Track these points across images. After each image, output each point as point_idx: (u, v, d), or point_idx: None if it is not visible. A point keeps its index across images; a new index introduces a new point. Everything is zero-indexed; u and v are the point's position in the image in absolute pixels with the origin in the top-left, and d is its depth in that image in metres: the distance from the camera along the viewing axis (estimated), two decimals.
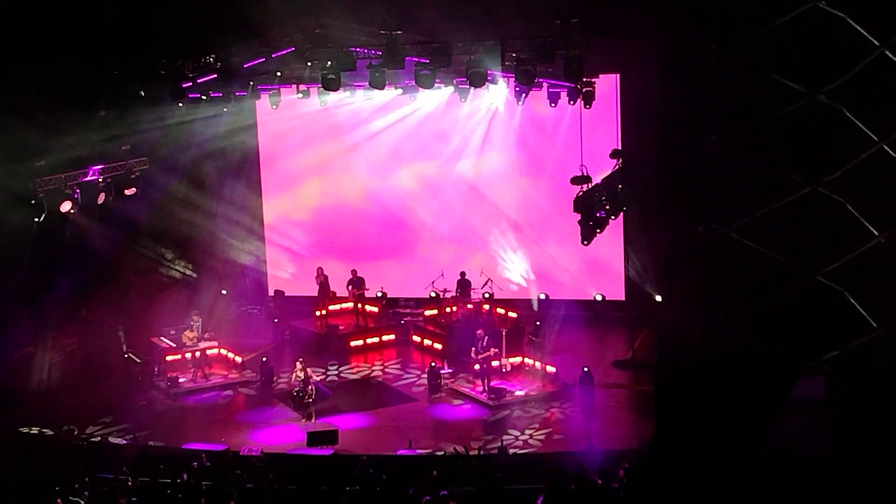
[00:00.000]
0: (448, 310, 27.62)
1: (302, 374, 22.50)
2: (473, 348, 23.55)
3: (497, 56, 21.72)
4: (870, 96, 13.39)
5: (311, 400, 22.31)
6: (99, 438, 21.63)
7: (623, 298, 28.21)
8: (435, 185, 29.68)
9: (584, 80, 23.14)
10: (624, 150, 24.38)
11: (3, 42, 20.90)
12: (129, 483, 17.89)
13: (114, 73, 22.78)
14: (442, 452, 19.71)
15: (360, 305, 28.39)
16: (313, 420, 22.19)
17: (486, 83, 22.95)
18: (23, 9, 21.73)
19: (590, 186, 21.74)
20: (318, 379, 23.51)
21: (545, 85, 24.69)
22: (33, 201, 22.61)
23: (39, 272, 24.30)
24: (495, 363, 23.65)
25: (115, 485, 17.69)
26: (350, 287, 28.29)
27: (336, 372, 25.86)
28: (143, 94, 22.73)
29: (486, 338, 23.56)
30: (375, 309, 28.64)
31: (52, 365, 24.93)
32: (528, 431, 21.56)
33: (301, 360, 23.02)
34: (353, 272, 28.36)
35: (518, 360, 24.49)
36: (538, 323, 26.09)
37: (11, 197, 22.41)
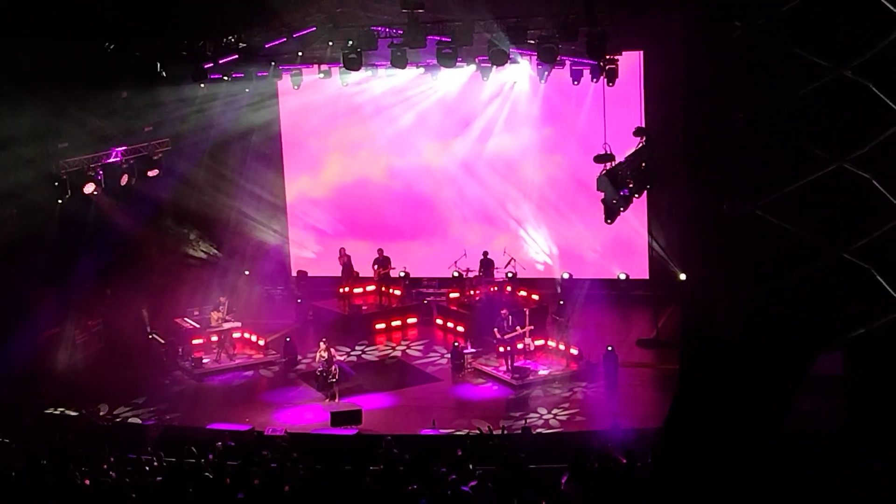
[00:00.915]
0: (471, 290, 27.58)
1: (325, 354, 22.54)
2: (496, 328, 23.50)
3: (519, 34, 21.58)
4: None
5: (334, 380, 22.37)
6: (123, 419, 21.72)
7: (647, 277, 28.10)
8: (457, 165, 29.60)
9: (607, 57, 22.98)
10: (647, 128, 24.21)
11: (26, 24, 20.91)
12: (155, 463, 17.98)
13: (136, 54, 22.77)
14: (466, 432, 19.70)
15: (383, 286, 28.37)
16: (337, 400, 22.24)
17: (509, 61, 22.82)
18: None
19: (613, 164, 21.62)
20: (342, 359, 23.53)
21: (568, 62, 24.55)
22: (57, 183, 22.69)
23: (63, 254, 24.41)
24: (526, 341, 23.57)
25: (141, 465, 17.78)
26: (376, 266, 28.28)
27: (359, 352, 25.87)
28: (164, 74, 22.68)
29: (511, 317, 23.51)
30: (399, 291, 28.61)
31: (77, 346, 25.05)
32: (552, 411, 21.53)
33: (325, 339, 23.06)
34: (380, 251, 28.36)
35: (542, 339, 24.42)
36: (562, 302, 26.02)
37: (35, 179, 22.50)
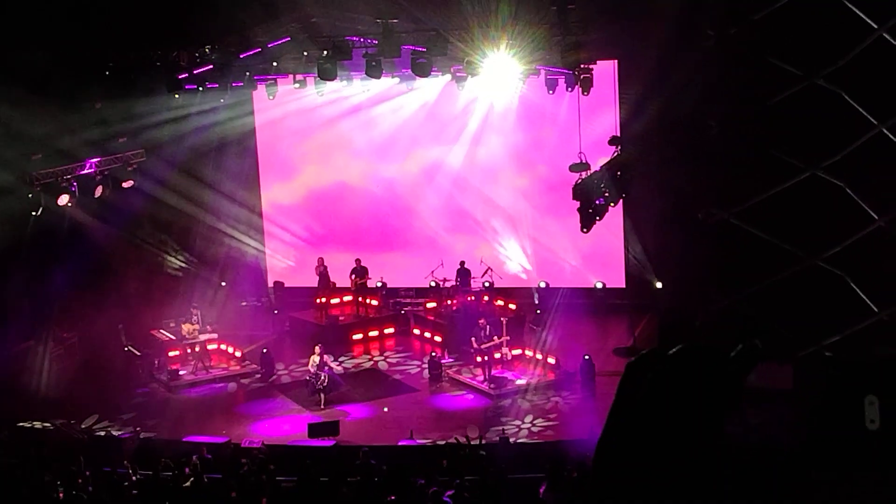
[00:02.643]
0: (448, 300, 27.57)
1: (318, 360, 22.54)
2: (474, 337, 23.49)
3: (493, 43, 21.64)
4: (868, 79, 13.33)
5: (322, 387, 22.37)
6: (102, 433, 21.58)
7: (623, 285, 28.14)
8: (433, 174, 29.60)
9: (582, 66, 23.05)
10: (622, 137, 24.31)
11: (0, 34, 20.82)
12: (132, 476, 17.88)
13: (109, 64, 22.67)
14: (444, 442, 19.68)
15: (360, 296, 28.32)
16: (322, 406, 22.23)
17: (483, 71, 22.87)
18: (17, 0, 21.67)
19: (589, 173, 21.67)
20: (335, 367, 23.46)
21: (543, 72, 24.62)
22: (30, 195, 22.56)
23: (37, 266, 24.25)
24: (503, 351, 23.59)
25: (117, 478, 17.67)
26: (353, 276, 28.22)
27: (338, 363, 25.80)
28: (137, 84, 22.60)
29: (488, 326, 23.51)
30: (376, 301, 28.58)
31: (52, 359, 24.87)
32: (529, 420, 21.53)
33: (320, 345, 23.03)
34: (357, 261, 28.31)
35: (519, 349, 24.43)
36: (538, 311, 26.03)
37: (9, 190, 22.36)
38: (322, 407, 22.32)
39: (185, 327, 25.21)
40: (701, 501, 2.07)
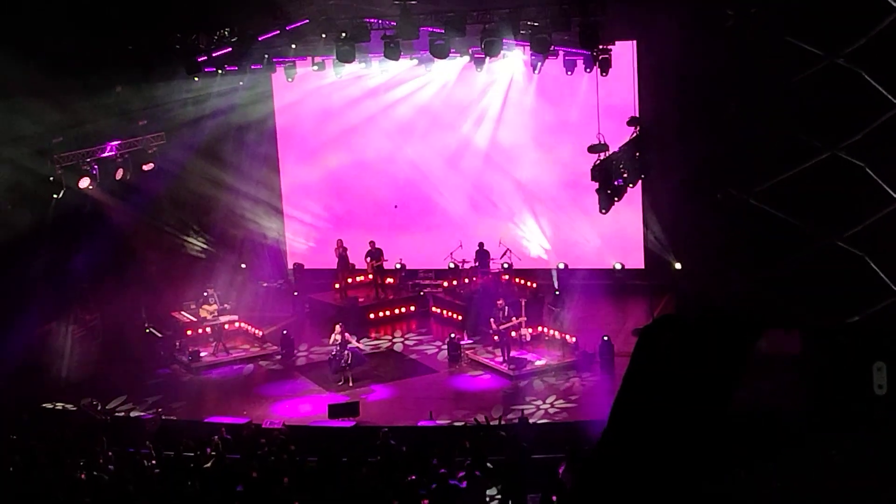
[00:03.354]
0: (467, 280, 27.60)
1: (339, 338, 22.64)
2: (493, 318, 23.51)
3: (512, 24, 21.59)
4: (889, 59, 13.26)
5: (346, 364, 22.49)
6: (122, 413, 21.75)
7: (642, 266, 28.11)
8: (451, 156, 29.59)
9: (601, 47, 22.99)
10: (641, 118, 24.25)
11: (20, 19, 20.88)
12: (153, 457, 18.03)
13: (129, 48, 22.74)
14: (463, 423, 19.75)
15: (378, 277, 28.38)
16: (350, 384, 22.34)
17: (502, 52, 22.84)
18: None
19: (607, 154, 21.64)
20: (356, 345, 23.58)
21: (561, 53, 24.58)
22: (52, 178, 22.69)
23: (59, 248, 24.39)
24: (523, 331, 23.61)
25: (139, 459, 17.82)
26: (368, 259, 28.28)
27: (359, 343, 25.88)
28: (157, 68, 22.67)
29: (507, 307, 23.53)
30: (391, 280, 28.63)
31: (74, 340, 25.04)
32: (548, 401, 21.57)
33: (340, 324, 23.12)
34: (371, 243, 28.34)
35: (538, 329, 24.45)
36: (557, 292, 26.05)
37: (30, 174, 22.49)
38: (350, 385, 22.43)
39: (204, 310, 25.32)
40: (709, 463, 2.11)
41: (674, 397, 2.16)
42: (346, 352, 22.64)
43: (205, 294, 25.68)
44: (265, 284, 29.69)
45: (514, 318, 23.48)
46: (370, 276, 28.37)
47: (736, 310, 2.21)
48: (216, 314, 25.36)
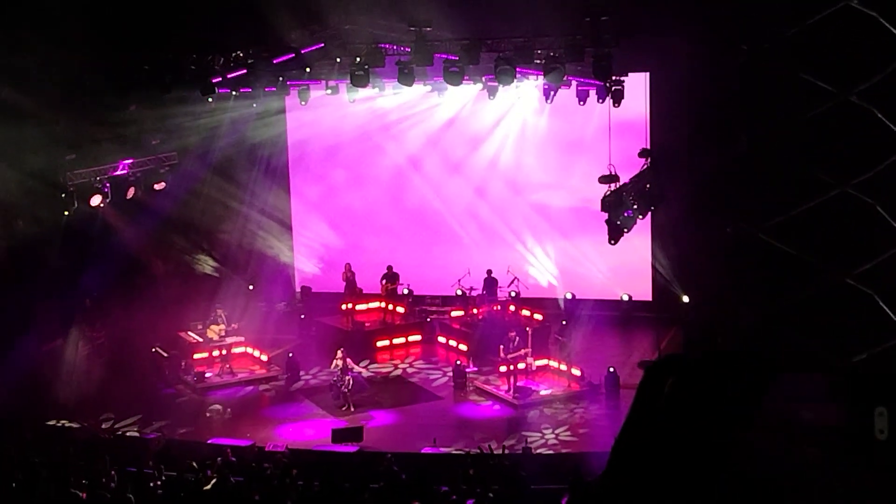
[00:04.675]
0: (474, 309, 27.57)
1: (341, 363, 22.63)
2: (503, 346, 23.46)
3: (526, 54, 21.68)
4: None
5: (347, 390, 22.46)
6: (128, 433, 21.71)
7: (650, 298, 28.08)
8: (462, 183, 29.65)
9: (614, 78, 23.06)
10: (652, 150, 24.29)
11: (36, 36, 21.02)
12: (156, 477, 17.98)
13: (144, 67, 22.88)
14: (467, 451, 19.69)
15: (388, 302, 28.38)
16: (352, 409, 22.31)
17: (515, 81, 22.92)
18: (55, 5, 21.88)
19: (618, 186, 21.67)
20: (358, 371, 23.55)
21: (574, 83, 24.65)
22: (64, 195, 22.79)
23: (68, 265, 24.46)
24: (528, 361, 23.57)
25: (142, 478, 17.78)
26: (384, 281, 28.31)
27: (364, 368, 25.83)
28: (171, 88, 22.80)
29: (517, 339, 23.46)
30: (402, 308, 28.62)
31: (81, 358, 25.06)
32: (552, 431, 21.50)
33: (342, 349, 23.11)
34: (389, 268, 28.41)
35: (544, 359, 24.40)
36: (564, 322, 26.01)
37: (42, 190, 22.59)
38: (352, 410, 22.40)
39: (212, 330, 25.32)
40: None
41: (674, 443, 2.14)
42: (347, 378, 22.60)
43: (213, 314, 25.70)
44: (281, 304, 29.74)
45: (522, 350, 23.43)
46: (382, 300, 28.36)
47: (744, 354, 2.20)
48: (223, 334, 25.36)
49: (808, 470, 2.19)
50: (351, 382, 22.61)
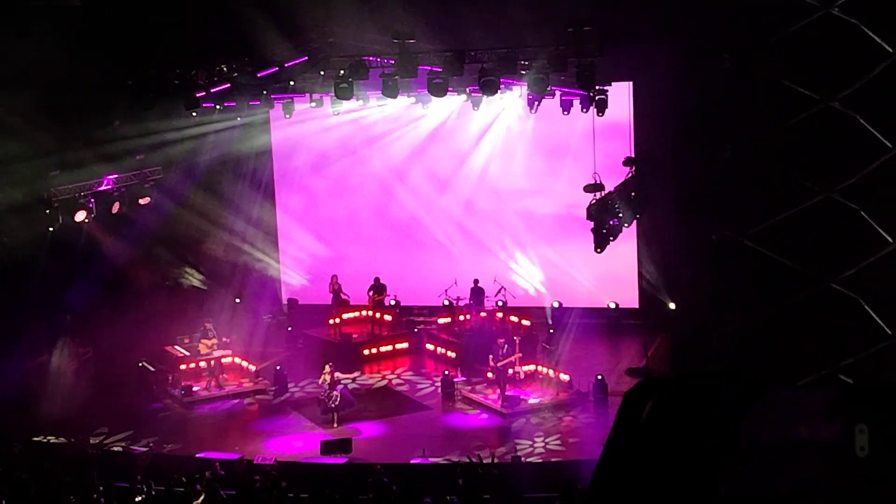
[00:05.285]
0: (461, 318, 27.59)
1: (329, 378, 22.59)
2: (492, 355, 23.49)
3: (510, 64, 21.74)
4: (884, 103, 13.37)
5: (334, 405, 22.42)
6: (116, 448, 21.65)
7: (637, 306, 28.14)
8: (447, 193, 29.69)
9: (597, 87, 23.14)
10: (637, 158, 24.38)
11: (18, 50, 20.97)
12: (144, 492, 17.93)
13: (127, 82, 22.86)
14: (457, 461, 19.69)
15: (375, 313, 28.38)
16: (336, 425, 22.28)
17: (499, 91, 22.98)
18: (38, 19, 21.85)
19: (603, 194, 21.74)
20: (347, 382, 23.51)
21: (558, 93, 24.72)
22: (48, 210, 22.72)
23: (54, 281, 24.38)
24: (516, 369, 23.56)
25: (130, 493, 17.72)
26: (371, 292, 28.31)
27: (352, 380, 25.81)
28: (155, 102, 22.79)
29: (506, 346, 23.50)
30: (389, 317, 28.63)
31: (67, 373, 24.96)
32: (541, 440, 21.53)
33: (330, 364, 23.08)
34: (376, 279, 28.41)
35: (532, 368, 24.42)
36: (551, 331, 26.05)
37: (26, 206, 22.52)
38: (335, 425, 22.38)
39: (202, 344, 25.27)
40: None
41: (654, 467, 2.16)
42: (334, 393, 22.56)
43: (203, 328, 25.67)
44: (267, 316, 29.72)
45: (512, 356, 23.44)
46: (370, 310, 28.37)
47: (723, 374, 2.22)
48: (213, 348, 25.31)
49: (792, 487, 2.21)
50: (339, 398, 22.56)
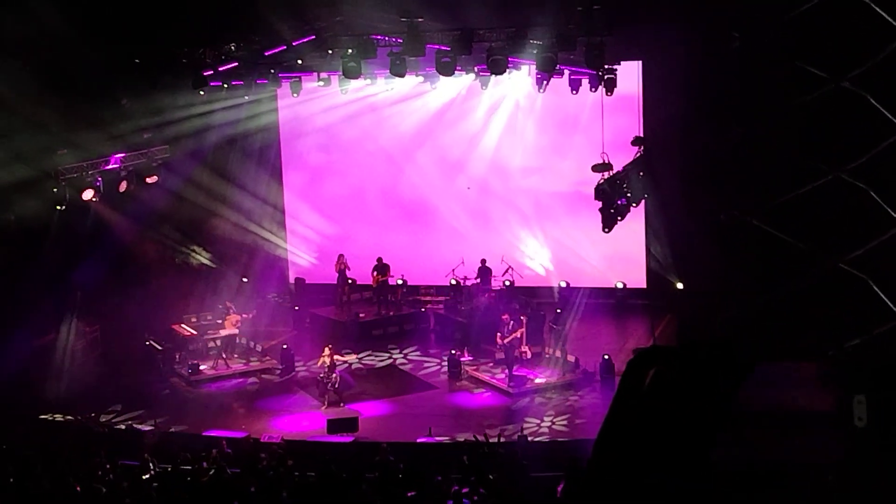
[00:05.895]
0: (469, 297, 27.57)
1: (328, 361, 22.57)
2: (499, 333, 23.48)
3: (518, 43, 21.64)
4: (894, 83, 13.29)
5: (333, 388, 22.39)
6: (123, 426, 21.71)
7: (644, 286, 28.11)
8: (455, 173, 29.64)
9: (606, 67, 23.03)
10: (645, 138, 24.29)
11: (25, 29, 20.94)
12: (151, 469, 17.98)
13: (135, 61, 22.82)
14: (464, 439, 19.70)
15: (381, 293, 28.38)
16: (334, 405, 22.29)
17: (507, 70, 22.89)
18: None
19: (611, 174, 21.67)
20: (344, 368, 23.51)
21: (566, 72, 24.62)
22: (55, 189, 22.72)
23: (61, 260, 24.41)
24: (523, 349, 23.54)
25: (137, 471, 17.77)
26: (375, 273, 28.29)
27: (358, 360, 25.84)
28: (163, 81, 22.77)
29: (512, 322, 23.49)
30: (396, 298, 28.63)
31: (74, 352, 25.03)
32: (548, 419, 21.54)
33: (330, 346, 23.07)
34: (379, 259, 28.37)
35: (538, 347, 24.42)
36: (559, 311, 26.05)
37: (34, 185, 22.53)
38: (339, 406, 22.37)
39: (228, 321, 25.30)
40: (693, 497, 2.10)
41: (655, 434, 2.15)
42: (334, 375, 22.53)
43: (224, 305, 25.72)
44: (274, 296, 29.72)
45: (518, 331, 23.40)
46: (377, 289, 28.38)
47: (726, 343, 2.20)
48: (238, 324, 25.34)
49: (792, 456, 2.20)
50: (338, 380, 22.53)
